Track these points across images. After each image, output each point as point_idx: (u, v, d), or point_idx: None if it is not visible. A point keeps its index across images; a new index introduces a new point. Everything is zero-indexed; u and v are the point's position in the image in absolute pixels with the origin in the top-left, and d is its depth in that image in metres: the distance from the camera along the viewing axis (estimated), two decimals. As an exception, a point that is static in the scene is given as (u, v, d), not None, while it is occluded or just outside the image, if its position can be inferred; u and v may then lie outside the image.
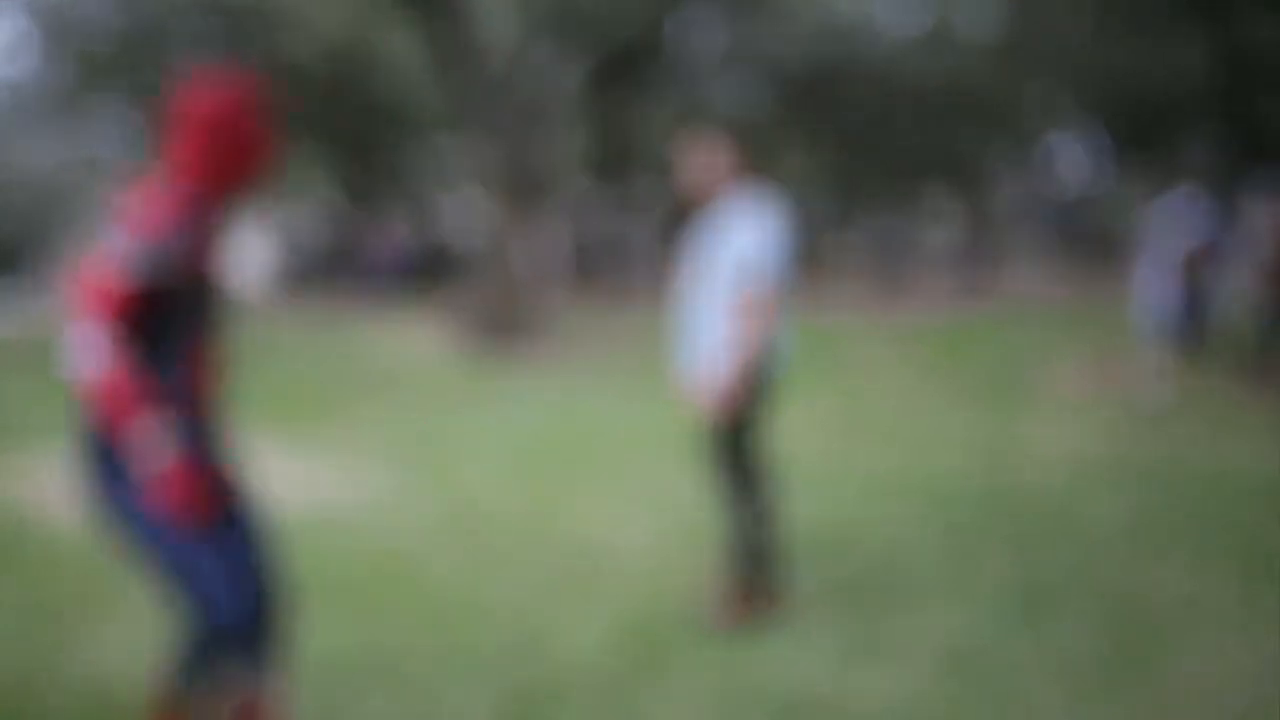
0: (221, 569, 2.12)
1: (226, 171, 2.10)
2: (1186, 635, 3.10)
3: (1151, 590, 3.47)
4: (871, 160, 21.11)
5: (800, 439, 6.24)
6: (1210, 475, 5.00)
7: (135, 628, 3.38)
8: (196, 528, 2.06)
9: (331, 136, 19.10)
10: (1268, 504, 4.45)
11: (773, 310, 3.19)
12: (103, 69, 12.93)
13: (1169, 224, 8.78)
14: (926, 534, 4.18)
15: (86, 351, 1.92)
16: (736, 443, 3.29)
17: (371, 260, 19.33)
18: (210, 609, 2.08)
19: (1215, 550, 3.85)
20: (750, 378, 3.19)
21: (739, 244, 3.19)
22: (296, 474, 5.59)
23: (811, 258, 23.52)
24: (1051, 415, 6.78)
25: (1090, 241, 24.14)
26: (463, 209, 26.66)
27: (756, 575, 3.30)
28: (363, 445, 6.29)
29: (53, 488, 5.33)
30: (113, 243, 1.97)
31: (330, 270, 24.20)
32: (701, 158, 3.30)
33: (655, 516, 4.57)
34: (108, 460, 2.06)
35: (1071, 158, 24.40)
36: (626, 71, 18.62)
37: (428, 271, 18.63)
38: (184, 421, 2.13)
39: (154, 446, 1.99)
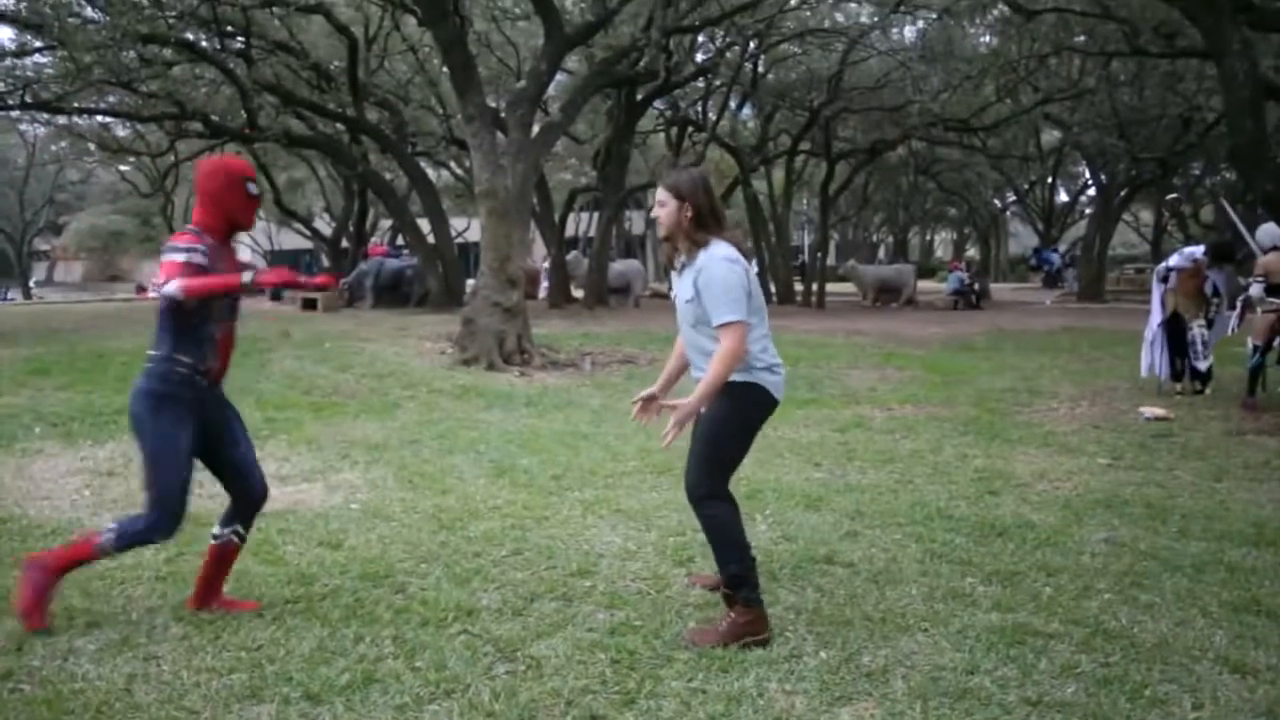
0: (183, 503, 3.27)
1: (222, 222, 3.31)
2: (1171, 671, 3.08)
3: (1136, 626, 3.46)
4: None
5: (790, 465, 6.23)
6: (1197, 512, 5.00)
7: (111, 628, 3.35)
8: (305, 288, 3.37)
9: (331, 152, 19.12)
10: (1255, 541, 4.45)
11: (730, 353, 3.18)
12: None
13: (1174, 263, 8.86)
14: (911, 562, 4.16)
15: (175, 286, 3.08)
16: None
17: (366, 272, 19.30)
18: (159, 525, 3.25)
19: (1201, 587, 3.84)
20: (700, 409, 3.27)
21: (688, 293, 3.26)
22: (283, 475, 5.56)
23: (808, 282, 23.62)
24: (1040, 446, 6.78)
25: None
26: (464, 223, 26.71)
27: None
28: (350, 449, 6.26)
29: (34, 479, 5.30)
30: (168, 251, 3.16)
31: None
32: (661, 211, 3.31)
33: (640, 530, 4.54)
34: (158, 406, 3.23)
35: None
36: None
37: (422, 284, 18.61)
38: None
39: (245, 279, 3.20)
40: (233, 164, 3.38)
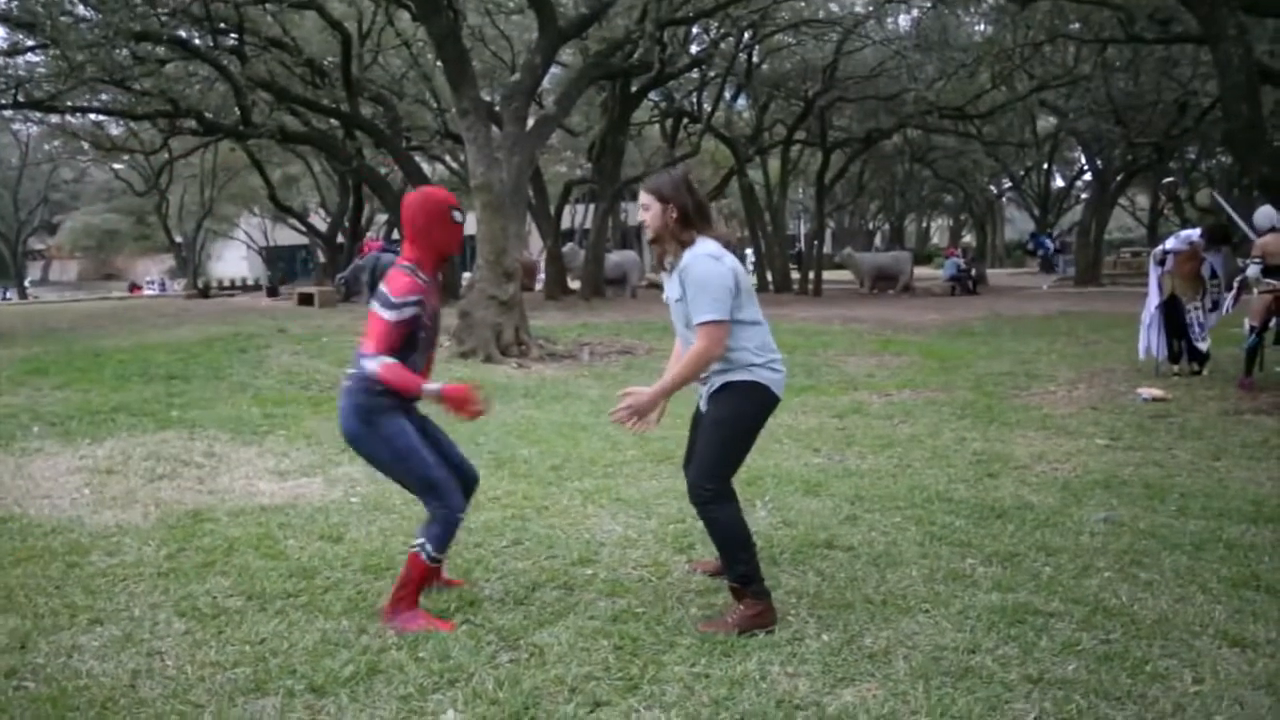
0: (449, 477, 3.36)
1: (432, 254, 3.37)
2: (1171, 647, 3.10)
3: (1136, 603, 3.47)
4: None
5: (789, 451, 6.24)
6: (1196, 490, 5.02)
7: (114, 624, 3.36)
8: (469, 414, 3.26)
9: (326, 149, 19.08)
10: (1253, 518, 4.47)
11: (703, 353, 3.19)
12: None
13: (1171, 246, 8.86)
14: (911, 545, 4.18)
15: (376, 364, 3.16)
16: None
17: (362, 267, 19.26)
18: (450, 502, 3.31)
19: (1200, 564, 3.85)
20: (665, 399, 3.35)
21: (677, 293, 3.26)
22: (283, 470, 5.57)
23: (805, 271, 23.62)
24: (1038, 429, 6.79)
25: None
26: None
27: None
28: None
29: (38, 481, 5.30)
30: (382, 304, 3.21)
31: (326, 275, 24.21)
32: (646, 215, 3.32)
33: (640, 518, 4.55)
34: (370, 419, 3.28)
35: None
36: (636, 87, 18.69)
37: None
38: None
39: (428, 390, 3.22)
40: (435, 196, 3.40)
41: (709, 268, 3.18)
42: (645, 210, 3.31)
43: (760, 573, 3.32)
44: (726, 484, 3.31)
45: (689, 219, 3.25)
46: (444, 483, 3.31)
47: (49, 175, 37.75)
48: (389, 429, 3.28)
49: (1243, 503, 4.76)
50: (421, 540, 3.31)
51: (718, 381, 3.28)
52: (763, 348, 3.30)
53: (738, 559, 3.28)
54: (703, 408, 3.39)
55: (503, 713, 2.72)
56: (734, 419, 3.28)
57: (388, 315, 3.18)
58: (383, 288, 3.24)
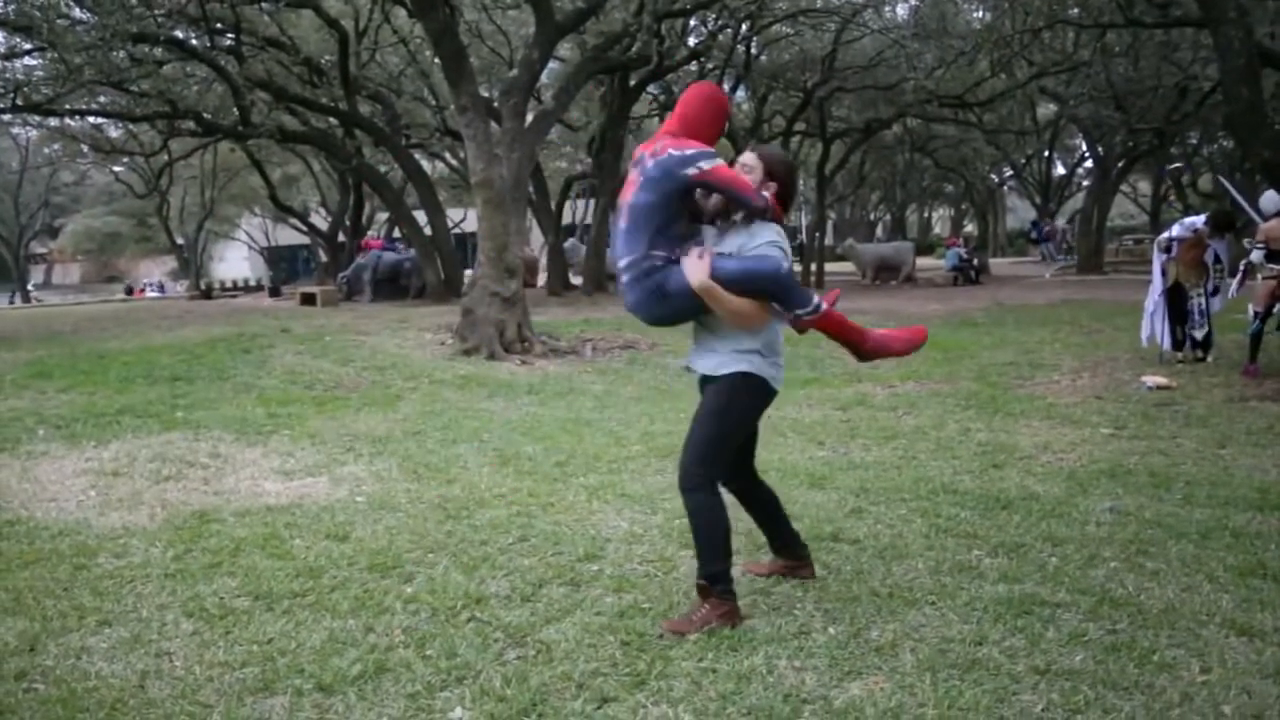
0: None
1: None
2: (1178, 636, 3.10)
3: (1143, 593, 3.47)
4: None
5: (793, 444, 6.24)
6: (1201, 478, 5.01)
7: (122, 626, 3.36)
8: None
9: (326, 146, 19.06)
10: (1259, 506, 4.46)
11: (753, 315, 3.22)
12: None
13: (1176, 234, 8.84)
14: (917, 537, 4.17)
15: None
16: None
17: (364, 266, 19.29)
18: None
19: (1207, 553, 3.85)
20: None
21: (730, 248, 3.26)
22: (288, 470, 5.58)
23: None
24: (1043, 419, 6.78)
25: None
26: (460, 214, 26.65)
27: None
28: (354, 442, 6.27)
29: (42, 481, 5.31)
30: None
31: (328, 275, 24.22)
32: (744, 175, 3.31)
33: (646, 514, 4.56)
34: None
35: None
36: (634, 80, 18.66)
37: (421, 276, 18.59)
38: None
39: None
40: (721, 95, 3.50)
41: (779, 256, 3.23)
42: (745, 172, 3.30)
43: (730, 574, 3.29)
44: (715, 474, 3.31)
45: (782, 202, 3.30)
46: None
47: (49, 179, 37.74)
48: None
49: (1248, 490, 4.76)
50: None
51: (728, 371, 3.28)
52: (770, 347, 3.32)
53: (713, 555, 3.25)
54: (694, 366, 3.41)
55: (510, 710, 2.73)
56: (730, 409, 3.29)
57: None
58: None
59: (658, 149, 3.24)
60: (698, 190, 3.27)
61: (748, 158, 3.35)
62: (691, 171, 3.17)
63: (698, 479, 3.27)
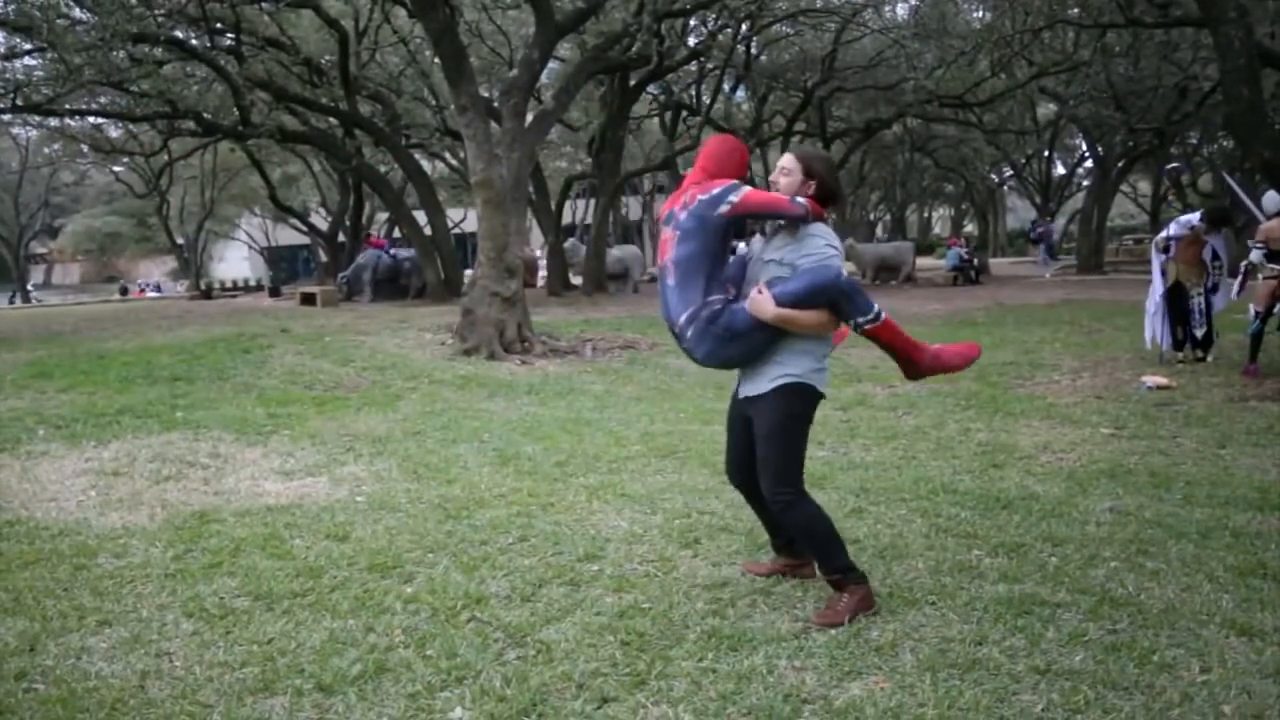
0: None
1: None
2: (1178, 636, 3.10)
3: (1143, 592, 3.47)
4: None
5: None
6: (1201, 478, 5.01)
7: (122, 626, 3.36)
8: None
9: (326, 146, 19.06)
10: (1259, 506, 4.46)
11: (820, 324, 3.25)
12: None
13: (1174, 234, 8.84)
14: (917, 537, 4.17)
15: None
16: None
17: (364, 266, 19.29)
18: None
19: (1207, 553, 3.85)
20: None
21: (774, 256, 3.34)
22: (288, 470, 5.58)
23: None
24: (1043, 419, 6.78)
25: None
26: (460, 214, 26.65)
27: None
28: (354, 442, 6.27)
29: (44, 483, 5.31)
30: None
31: (328, 275, 24.21)
32: (783, 180, 3.34)
33: (646, 514, 4.55)
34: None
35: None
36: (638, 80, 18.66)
37: (420, 276, 18.59)
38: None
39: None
40: (742, 148, 3.52)
41: (837, 263, 3.25)
42: (784, 175, 3.33)
43: (851, 559, 3.38)
44: (800, 484, 3.34)
45: (824, 200, 3.31)
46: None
47: (49, 179, 37.74)
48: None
49: (1248, 490, 4.75)
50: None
51: (773, 384, 3.28)
52: (823, 344, 3.34)
53: (830, 552, 3.34)
54: (741, 393, 3.40)
55: (510, 710, 2.72)
56: (792, 421, 3.30)
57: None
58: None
59: (686, 200, 3.29)
60: (747, 221, 3.34)
61: (785, 160, 3.38)
62: (724, 210, 3.22)
63: (787, 497, 3.31)
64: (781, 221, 3.32)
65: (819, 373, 3.34)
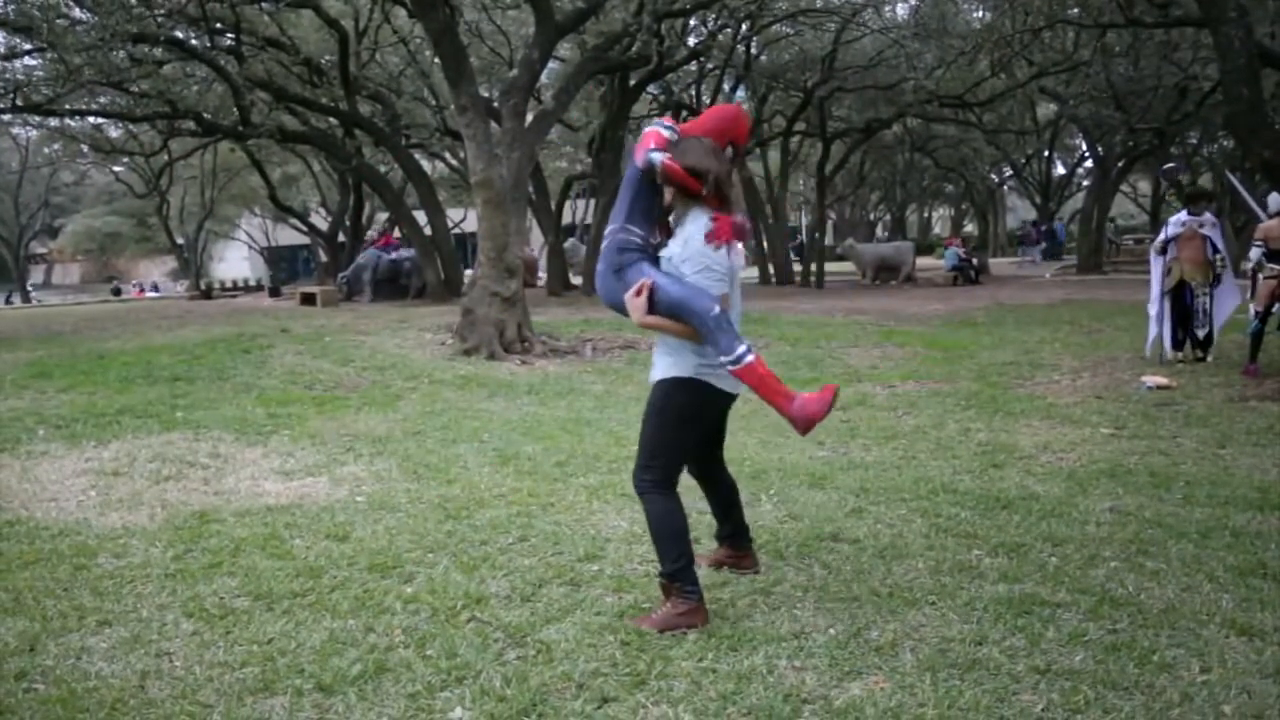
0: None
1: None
2: (1179, 636, 3.10)
3: (1143, 592, 3.47)
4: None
5: (793, 444, 6.24)
6: (1201, 478, 5.01)
7: (122, 626, 3.36)
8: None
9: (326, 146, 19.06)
10: (1259, 505, 4.46)
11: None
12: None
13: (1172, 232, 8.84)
14: (917, 537, 4.17)
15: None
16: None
17: (364, 266, 19.28)
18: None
19: (1207, 553, 3.85)
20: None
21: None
22: (288, 470, 5.58)
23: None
24: (1043, 418, 6.78)
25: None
26: (460, 214, 26.64)
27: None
28: (354, 442, 6.27)
29: (42, 482, 5.31)
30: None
31: (328, 275, 24.20)
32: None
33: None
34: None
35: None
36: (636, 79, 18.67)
37: (420, 276, 18.58)
38: None
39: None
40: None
41: (710, 298, 3.19)
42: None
43: (693, 573, 3.28)
44: (664, 474, 3.29)
45: (697, 176, 3.25)
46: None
47: (49, 179, 37.75)
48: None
49: (1248, 490, 4.76)
50: None
51: (661, 375, 3.30)
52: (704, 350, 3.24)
53: (667, 553, 3.27)
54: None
55: (510, 710, 2.73)
56: (672, 412, 3.28)
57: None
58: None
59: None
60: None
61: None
62: (641, 160, 3.22)
63: (645, 483, 3.30)
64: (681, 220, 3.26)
65: (710, 368, 3.24)
